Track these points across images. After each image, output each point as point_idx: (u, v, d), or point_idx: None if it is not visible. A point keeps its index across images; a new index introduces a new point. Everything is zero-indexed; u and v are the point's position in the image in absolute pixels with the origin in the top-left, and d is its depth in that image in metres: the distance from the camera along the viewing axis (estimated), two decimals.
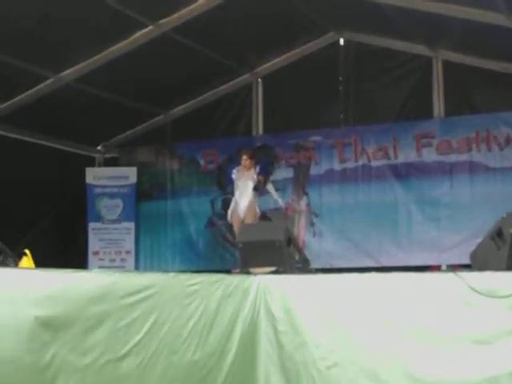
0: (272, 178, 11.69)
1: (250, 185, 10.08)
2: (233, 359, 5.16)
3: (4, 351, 3.69)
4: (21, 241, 10.09)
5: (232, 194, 10.55)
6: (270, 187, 11.14)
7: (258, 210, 10.17)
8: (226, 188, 11.65)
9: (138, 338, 4.32)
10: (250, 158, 10.27)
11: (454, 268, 8.83)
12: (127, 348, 4.25)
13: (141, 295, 4.38)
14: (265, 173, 10.89)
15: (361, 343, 5.11)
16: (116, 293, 4.23)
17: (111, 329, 4.14)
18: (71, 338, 3.96)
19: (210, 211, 12.22)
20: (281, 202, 11.31)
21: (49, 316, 3.88)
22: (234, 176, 10.36)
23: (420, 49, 10.87)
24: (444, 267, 10.13)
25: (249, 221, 9.82)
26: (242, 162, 10.28)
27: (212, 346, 4.97)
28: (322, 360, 5.19)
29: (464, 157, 10.60)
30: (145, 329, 4.38)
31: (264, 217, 10.81)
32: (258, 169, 10.24)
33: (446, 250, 10.47)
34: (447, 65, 10.86)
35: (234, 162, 11.02)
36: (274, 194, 11.04)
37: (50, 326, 3.88)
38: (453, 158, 10.65)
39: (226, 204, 11.84)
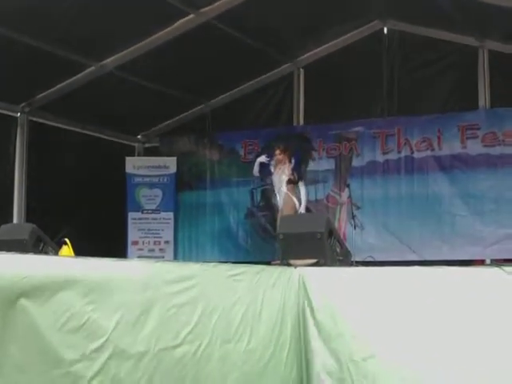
0: (311, 168, 11.57)
1: (284, 179, 10.04)
2: (288, 350, 5.17)
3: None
4: (61, 229, 10.17)
5: (271, 184, 10.51)
6: (301, 185, 10.79)
7: (296, 202, 10.01)
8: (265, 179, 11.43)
9: (189, 327, 4.30)
10: (283, 151, 10.18)
11: (498, 263, 8.64)
12: (181, 337, 4.23)
13: (183, 285, 4.33)
14: (299, 166, 10.76)
15: (400, 337, 5.02)
16: (158, 282, 4.18)
17: (159, 318, 4.10)
18: (118, 326, 3.87)
19: (250, 202, 12.14)
20: (303, 202, 10.36)
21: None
22: (271, 169, 10.32)
23: (466, 39, 10.66)
24: (488, 262, 9.94)
25: (286, 213, 9.71)
26: (275, 157, 10.21)
27: (266, 337, 4.96)
28: (358, 351, 5.13)
29: (510, 149, 10.35)
30: (195, 318, 4.35)
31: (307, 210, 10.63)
32: (292, 163, 10.16)
33: (490, 245, 10.26)
34: (493, 55, 10.63)
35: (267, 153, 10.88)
36: (303, 195, 10.65)
37: None
38: (498, 150, 10.43)
39: (266, 195, 11.77)
